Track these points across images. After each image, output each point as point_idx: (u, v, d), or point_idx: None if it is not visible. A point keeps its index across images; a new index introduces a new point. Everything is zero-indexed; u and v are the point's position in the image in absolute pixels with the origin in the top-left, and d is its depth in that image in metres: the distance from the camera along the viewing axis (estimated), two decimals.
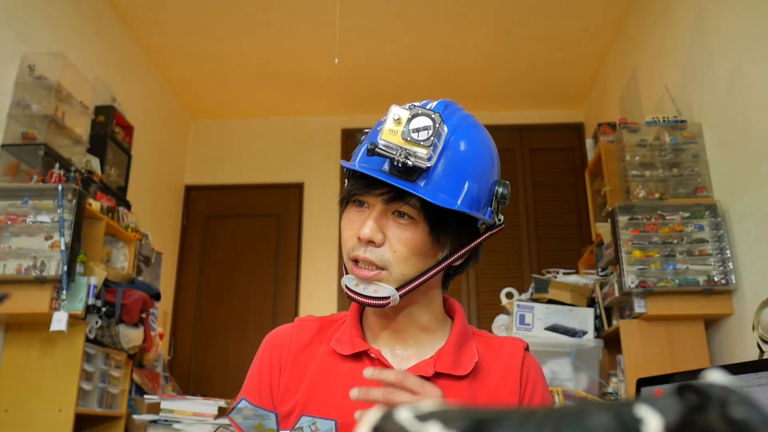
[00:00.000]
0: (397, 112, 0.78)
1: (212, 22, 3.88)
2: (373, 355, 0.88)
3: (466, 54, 4.20)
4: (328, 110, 4.91)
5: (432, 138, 0.77)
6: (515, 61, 4.27)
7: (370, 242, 0.82)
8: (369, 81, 4.49)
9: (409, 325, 0.90)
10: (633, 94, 3.65)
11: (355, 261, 0.84)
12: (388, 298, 0.83)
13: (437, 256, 0.86)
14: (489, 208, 0.87)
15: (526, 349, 0.93)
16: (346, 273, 0.87)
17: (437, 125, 0.78)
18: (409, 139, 0.77)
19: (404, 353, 0.90)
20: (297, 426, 0.64)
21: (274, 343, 0.94)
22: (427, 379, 0.85)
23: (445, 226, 0.83)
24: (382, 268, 0.83)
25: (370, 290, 0.83)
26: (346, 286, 0.85)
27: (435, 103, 0.86)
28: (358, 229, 0.83)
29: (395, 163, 0.78)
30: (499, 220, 0.89)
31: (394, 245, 0.83)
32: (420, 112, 0.78)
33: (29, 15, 3.04)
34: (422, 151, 0.77)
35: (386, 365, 0.87)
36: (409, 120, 0.78)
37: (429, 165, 0.78)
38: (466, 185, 0.82)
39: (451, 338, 0.90)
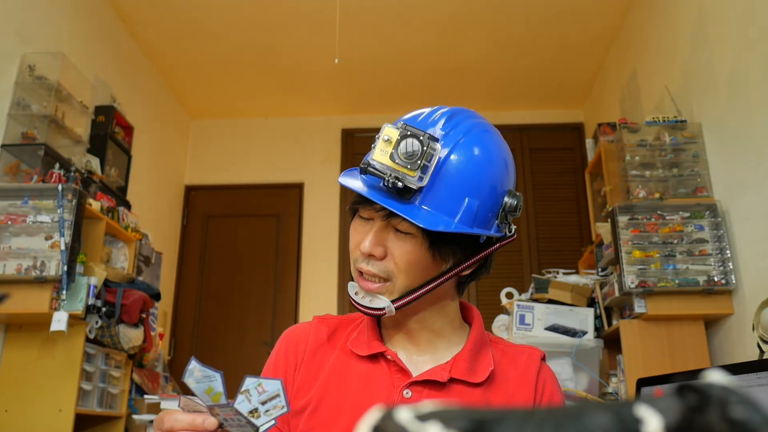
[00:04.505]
0: (388, 132, 0.79)
1: (212, 23, 3.88)
2: (389, 357, 0.88)
3: (466, 54, 4.20)
4: (328, 110, 4.91)
5: (419, 161, 0.77)
6: (515, 61, 4.27)
7: (371, 256, 0.84)
8: (369, 81, 4.50)
9: (421, 330, 0.90)
10: (633, 94, 3.65)
11: (360, 272, 0.86)
12: (383, 309, 0.84)
13: (441, 268, 0.85)
14: (495, 222, 0.85)
15: (543, 359, 0.93)
16: (352, 280, 0.89)
17: (425, 148, 0.77)
18: (397, 161, 0.77)
19: (420, 358, 0.90)
20: (243, 389, 0.64)
21: (291, 340, 0.94)
22: (442, 384, 0.85)
23: (446, 240, 0.83)
24: (386, 280, 0.84)
25: (367, 300, 0.85)
26: (349, 294, 0.88)
27: (440, 112, 0.85)
28: (361, 241, 0.85)
29: (385, 184, 0.78)
30: (510, 232, 0.88)
31: (396, 257, 0.83)
32: (409, 133, 0.78)
33: (29, 15, 3.04)
34: (410, 176, 0.77)
35: (402, 368, 0.87)
36: (398, 141, 0.78)
37: (421, 185, 0.78)
38: (466, 201, 0.81)
39: (467, 345, 0.89)
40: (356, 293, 0.86)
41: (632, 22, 3.70)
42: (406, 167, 0.77)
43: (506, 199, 0.84)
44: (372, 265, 0.84)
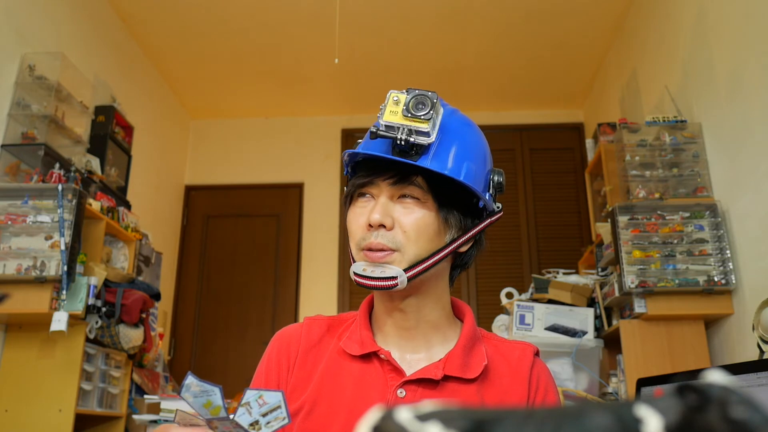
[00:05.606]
0: (396, 94, 0.82)
1: (212, 22, 3.88)
2: (382, 356, 0.87)
3: (466, 54, 4.20)
4: (328, 110, 4.91)
5: (431, 112, 0.80)
6: (515, 61, 4.27)
7: (381, 226, 0.83)
8: (369, 81, 4.49)
9: (419, 322, 0.89)
10: (633, 94, 3.65)
11: (369, 249, 0.84)
12: (395, 278, 0.82)
13: (445, 239, 0.87)
14: (488, 193, 0.89)
15: (536, 353, 0.92)
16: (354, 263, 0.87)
17: (435, 101, 0.81)
18: (409, 115, 0.80)
19: (414, 356, 0.89)
20: (243, 401, 0.64)
21: (283, 342, 0.93)
22: (436, 382, 0.85)
23: (451, 204, 0.86)
24: (395, 250, 0.83)
25: (378, 272, 0.82)
26: (354, 273, 0.84)
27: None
28: (367, 218, 0.84)
29: (398, 142, 0.80)
30: (498, 208, 0.92)
31: (404, 226, 0.84)
32: (418, 92, 0.82)
33: (29, 15, 3.04)
34: (423, 126, 0.80)
35: (396, 367, 0.86)
36: (408, 100, 0.81)
37: (430, 141, 0.80)
38: (465, 165, 0.84)
39: (460, 341, 0.89)
40: (363, 270, 0.83)
41: (632, 22, 3.69)
42: (418, 119, 0.80)
43: (494, 175, 0.90)
44: (381, 236, 0.83)
